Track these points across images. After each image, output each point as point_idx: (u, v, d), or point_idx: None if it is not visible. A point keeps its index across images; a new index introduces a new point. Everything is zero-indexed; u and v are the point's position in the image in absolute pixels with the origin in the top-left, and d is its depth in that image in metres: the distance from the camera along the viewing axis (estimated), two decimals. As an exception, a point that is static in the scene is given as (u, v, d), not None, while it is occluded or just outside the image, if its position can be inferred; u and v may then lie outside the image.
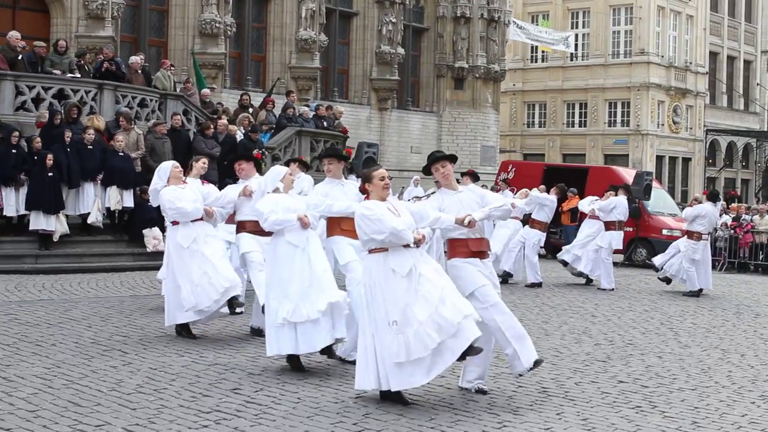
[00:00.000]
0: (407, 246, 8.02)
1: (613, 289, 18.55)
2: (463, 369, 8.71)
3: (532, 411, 7.99)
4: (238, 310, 11.39)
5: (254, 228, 10.89)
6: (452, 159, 8.93)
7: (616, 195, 19.73)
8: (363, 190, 8.48)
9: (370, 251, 8.12)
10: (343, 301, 9.28)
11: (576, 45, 50.87)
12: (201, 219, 11.16)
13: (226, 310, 11.19)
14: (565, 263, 19.77)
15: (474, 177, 19.85)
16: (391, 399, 8.03)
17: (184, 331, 11.03)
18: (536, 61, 55.07)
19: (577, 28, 53.08)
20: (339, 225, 9.98)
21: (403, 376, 7.86)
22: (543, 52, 52.00)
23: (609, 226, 19.33)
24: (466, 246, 8.58)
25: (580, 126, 53.71)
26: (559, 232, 27.13)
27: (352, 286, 9.64)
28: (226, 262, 11.23)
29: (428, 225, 8.44)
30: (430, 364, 7.82)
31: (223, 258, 11.23)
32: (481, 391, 8.58)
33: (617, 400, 8.58)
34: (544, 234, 19.64)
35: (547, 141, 54.06)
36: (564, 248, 20.23)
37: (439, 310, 7.81)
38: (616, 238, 19.54)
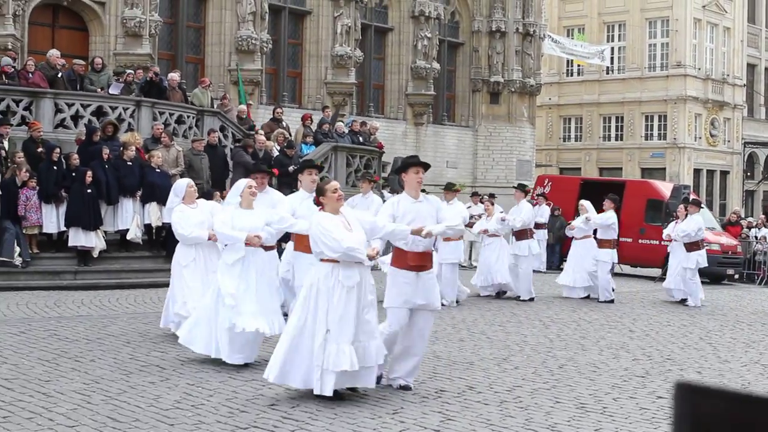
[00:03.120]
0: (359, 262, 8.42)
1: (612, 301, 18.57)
2: (390, 366, 9.15)
3: (570, 427, 7.94)
4: None
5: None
6: (427, 167, 9.19)
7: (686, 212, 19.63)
8: (317, 203, 8.72)
9: (321, 260, 8.44)
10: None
11: (612, 58, 50.61)
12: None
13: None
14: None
15: (525, 193, 19.98)
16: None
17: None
18: (572, 75, 54.88)
19: (612, 41, 52.85)
20: (303, 241, 10.27)
21: (321, 380, 8.29)
22: (579, 65, 51.82)
23: (692, 247, 19.23)
24: (405, 257, 8.85)
25: (616, 139, 53.43)
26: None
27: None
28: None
29: (381, 237, 8.71)
30: (341, 378, 8.32)
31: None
32: (405, 387, 9.04)
33: (656, 416, 8.51)
34: (615, 251, 19.56)
35: (583, 155, 53.83)
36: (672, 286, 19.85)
37: (370, 342, 8.39)
38: (703, 256, 19.49)
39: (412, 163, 9.17)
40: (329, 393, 8.28)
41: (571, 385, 9.78)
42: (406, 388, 9.04)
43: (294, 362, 8.43)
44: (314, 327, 8.36)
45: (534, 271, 23.44)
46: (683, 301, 19.14)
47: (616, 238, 19.81)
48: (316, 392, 8.35)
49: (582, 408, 8.71)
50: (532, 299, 18.30)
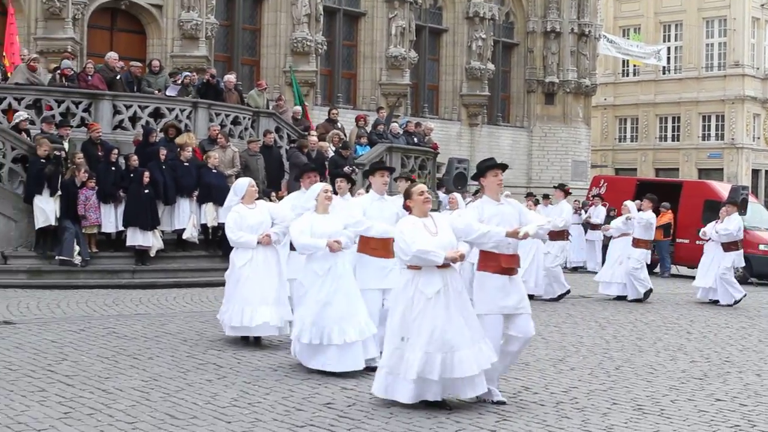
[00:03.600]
0: (443, 266, 8.13)
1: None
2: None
3: (627, 429, 7.88)
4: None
5: None
6: (505, 168, 8.93)
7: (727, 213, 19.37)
8: (406, 207, 8.55)
9: (408, 266, 8.26)
10: (370, 329, 9.65)
11: (668, 58, 50.06)
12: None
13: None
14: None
15: (566, 193, 19.73)
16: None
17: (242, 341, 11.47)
18: (628, 75, 54.43)
19: (669, 41, 52.32)
20: (368, 244, 10.14)
21: (389, 387, 8.18)
22: (635, 66, 51.38)
23: (729, 246, 19.01)
24: (497, 261, 8.49)
25: (673, 140, 52.91)
26: (652, 248, 26.76)
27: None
28: (263, 302, 11.20)
29: (474, 240, 8.40)
30: (416, 389, 8.10)
31: (260, 295, 11.20)
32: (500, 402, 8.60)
33: (715, 418, 8.42)
34: (649, 251, 19.41)
35: (639, 155, 53.36)
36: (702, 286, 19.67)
37: (463, 351, 8.05)
38: (740, 257, 19.30)
39: (490, 166, 8.77)
40: (405, 400, 8.10)
41: (628, 386, 9.71)
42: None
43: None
44: (392, 332, 8.27)
45: (588, 271, 23.23)
46: (714, 302, 18.92)
47: (652, 239, 19.61)
48: (389, 397, 8.21)
49: (639, 410, 8.63)
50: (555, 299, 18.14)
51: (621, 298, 18.82)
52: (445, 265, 8.12)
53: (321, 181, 11.66)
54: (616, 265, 19.10)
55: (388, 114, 28.19)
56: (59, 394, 8.33)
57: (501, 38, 39.20)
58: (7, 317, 13.15)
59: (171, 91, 22.19)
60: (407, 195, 8.52)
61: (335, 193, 11.28)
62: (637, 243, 18.99)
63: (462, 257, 8.21)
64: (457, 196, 16.86)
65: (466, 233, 8.36)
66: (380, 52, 33.86)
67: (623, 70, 54.27)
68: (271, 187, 20.15)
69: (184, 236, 19.07)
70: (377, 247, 10.11)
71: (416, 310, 8.08)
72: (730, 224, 18.98)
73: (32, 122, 19.56)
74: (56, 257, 17.56)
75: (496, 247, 8.45)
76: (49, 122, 19.12)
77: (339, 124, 25.37)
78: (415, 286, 8.14)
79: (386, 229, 9.87)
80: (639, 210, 19.34)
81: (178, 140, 19.77)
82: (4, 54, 22.43)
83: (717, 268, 18.87)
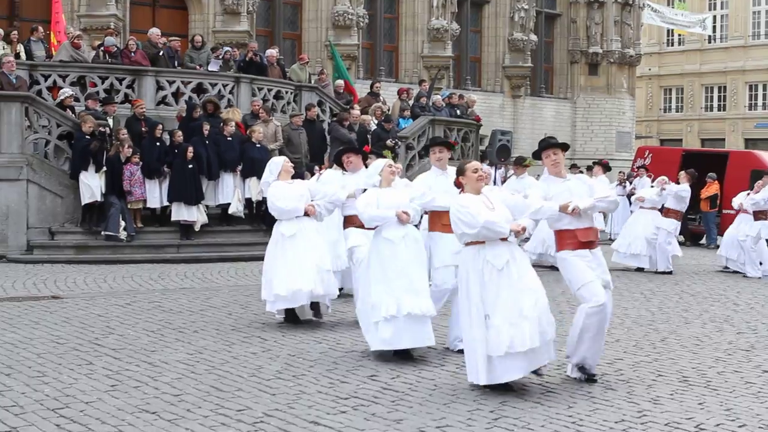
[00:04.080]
0: (505, 239, 7.98)
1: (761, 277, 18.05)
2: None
3: (673, 401, 7.83)
4: (321, 319, 11.39)
5: (361, 222, 10.96)
6: (564, 147, 8.72)
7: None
8: (458, 184, 8.40)
9: (466, 244, 8.09)
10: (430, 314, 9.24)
11: (714, 27, 49.44)
12: (306, 215, 11.10)
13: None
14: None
15: (605, 168, 19.47)
16: (498, 388, 7.93)
17: (289, 316, 11.18)
18: (672, 45, 53.82)
19: (714, 9, 51.63)
20: (440, 220, 9.70)
21: (496, 371, 7.82)
22: (680, 35, 50.76)
23: (758, 215, 18.75)
24: (574, 236, 8.34)
25: (719, 110, 52.30)
26: (698, 219, 26.53)
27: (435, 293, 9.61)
28: (311, 268, 10.95)
29: (530, 216, 8.26)
30: (524, 362, 7.84)
31: (311, 262, 10.95)
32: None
33: (762, 390, 8.33)
34: (679, 223, 19.21)
35: (684, 126, 52.82)
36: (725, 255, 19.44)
37: (542, 317, 7.90)
38: (766, 227, 19.04)
39: (546, 145, 8.70)
40: (503, 380, 7.85)
41: (674, 358, 9.64)
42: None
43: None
44: (471, 316, 7.99)
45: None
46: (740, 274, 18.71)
47: (683, 211, 19.35)
48: (482, 383, 7.90)
49: (685, 381, 8.58)
50: None
51: (639, 270, 18.68)
52: (503, 239, 8.02)
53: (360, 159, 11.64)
54: (640, 238, 18.83)
55: (430, 85, 28.11)
56: (106, 367, 8.43)
57: (543, 9, 38.85)
58: (55, 292, 13.32)
59: (213, 66, 22.25)
60: (460, 171, 8.35)
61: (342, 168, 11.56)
62: (667, 213, 18.80)
63: (524, 230, 8.08)
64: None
65: (518, 210, 8.30)
66: (422, 25, 33.70)
67: (668, 40, 53.67)
68: (314, 161, 20.18)
69: (230, 211, 19.17)
70: (449, 222, 9.78)
71: (492, 284, 7.91)
72: (761, 195, 18.73)
73: (77, 99, 19.72)
74: (102, 233, 17.73)
75: (569, 223, 8.36)
76: (94, 99, 19.28)
77: (381, 98, 25.32)
78: (483, 259, 7.96)
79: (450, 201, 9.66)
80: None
81: (223, 115, 19.84)
82: (50, 32, 22.59)
83: (747, 238, 18.61)
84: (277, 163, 11.40)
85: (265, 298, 11.08)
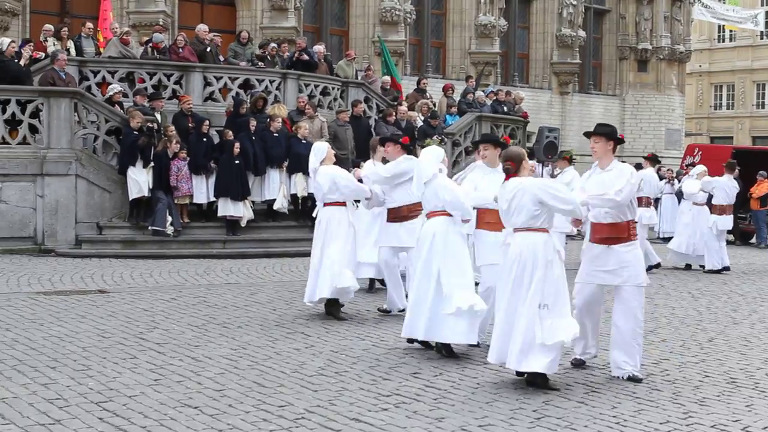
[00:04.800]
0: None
1: None
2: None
3: (720, 402, 7.72)
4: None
5: (398, 215, 11.09)
6: (597, 134, 8.66)
7: None
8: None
9: (534, 230, 8.00)
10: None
11: (766, 23, 48.78)
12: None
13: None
14: None
15: (653, 161, 19.17)
16: (535, 383, 7.92)
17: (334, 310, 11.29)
18: (723, 41, 53.22)
19: (766, 5, 50.95)
20: (483, 218, 9.60)
21: (542, 358, 7.80)
22: (730, 31, 50.13)
23: None
24: (592, 230, 8.62)
25: (770, 107, 51.64)
26: (748, 218, 26.18)
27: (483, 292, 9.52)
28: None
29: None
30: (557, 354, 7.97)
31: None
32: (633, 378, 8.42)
33: (811, 392, 8.21)
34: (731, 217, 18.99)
35: (735, 123, 52.22)
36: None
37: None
38: None
39: (588, 134, 8.74)
40: (551, 370, 7.88)
41: (721, 359, 9.52)
42: (634, 379, 8.42)
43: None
44: (528, 302, 7.92)
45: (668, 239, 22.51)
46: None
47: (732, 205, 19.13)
48: (541, 371, 7.83)
49: (732, 383, 8.45)
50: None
51: (688, 267, 18.50)
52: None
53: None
54: (694, 236, 18.63)
55: (476, 78, 28.06)
56: (150, 362, 8.48)
57: (592, 5, 38.57)
58: (101, 286, 13.43)
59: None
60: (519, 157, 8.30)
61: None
62: (721, 209, 18.57)
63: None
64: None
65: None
66: (469, 21, 33.59)
67: (719, 36, 53.09)
68: (360, 157, 20.16)
69: (275, 206, 19.21)
70: (494, 220, 9.63)
71: (557, 273, 7.94)
72: None
73: (125, 95, 19.86)
74: (149, 228, 17.86)
75: (594, 217, 8.43)
76: (142, 95, 19.39)
77: (428, 94, 25.26)
78: (553, 248, 8.00)
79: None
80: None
81: (269, 111, 19.89)
82: (98, 29, 22.79)
83: None
84: (322, 149, 11.40)
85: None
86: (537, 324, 7.77)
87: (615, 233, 8.46)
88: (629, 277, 8.50)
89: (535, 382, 7.90)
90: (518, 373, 8.07)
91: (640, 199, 18.04)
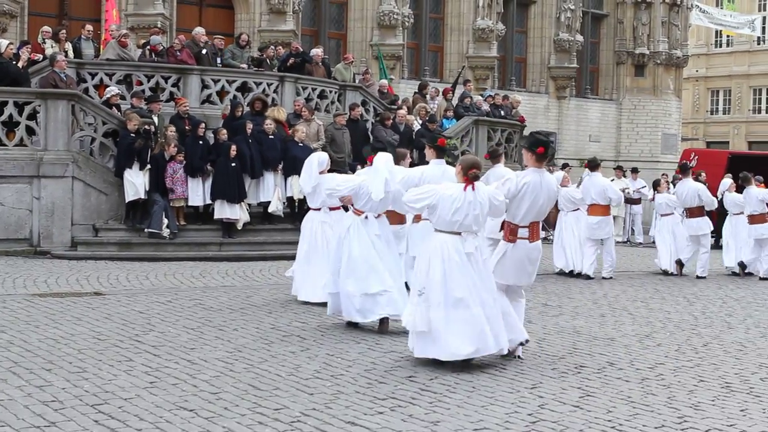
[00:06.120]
0: None
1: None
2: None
3: (714, 407, 7.74)
4: None
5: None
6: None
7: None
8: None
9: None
10: None
11: (763, 28, 48.86)
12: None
13: None
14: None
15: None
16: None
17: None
18: (720, 46, 53.29)
19: (764, 10, 51.04)
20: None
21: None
22: (728, 36, 50.23)
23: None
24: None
25: (767, 112, 51.67)
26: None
27: None
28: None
29: None
30: None
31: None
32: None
33: (806, 397, 8.22)
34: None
35: (731, 128, 52.27)
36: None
37: None
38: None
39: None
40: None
41: (716, 363, 9.53)
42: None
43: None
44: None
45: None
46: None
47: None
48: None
49: (727, 387, 8.47)
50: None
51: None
52: None
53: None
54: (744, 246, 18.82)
55: (455, 79, 28.11)
56: (145, 364, 8.47)
57: (590, 9, 38.60)
58: (97, 288, 13.44)
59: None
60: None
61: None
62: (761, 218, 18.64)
63: None
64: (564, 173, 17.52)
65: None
66: (467, 25, 33.59)
67: (716, 41, 53.17)
68: (356, 160, 20.17)
69: (270, 209, 19.21)
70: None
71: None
72: None
73: (123, 97, 19.87)
74: (145, 230, 17.86)
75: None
76: (139, 97, 19.40)
77: (428, 98, 25.30)
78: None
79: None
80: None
81: (268, 113, 19.88)
82: (103, 30, 22.82)
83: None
84: (323, 160, 12.12)
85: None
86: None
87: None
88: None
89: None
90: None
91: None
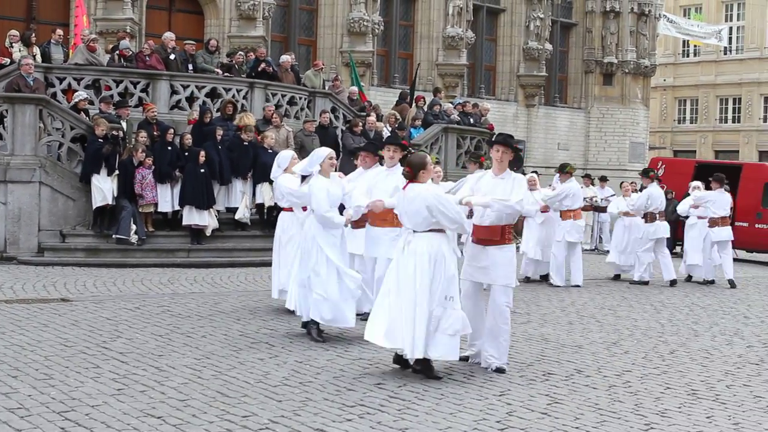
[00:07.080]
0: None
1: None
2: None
3: (681, 413, 7.80)
4: None
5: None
6: (505, 144, 9.42)
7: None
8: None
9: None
10: None
11: (730, 38, 49.31)
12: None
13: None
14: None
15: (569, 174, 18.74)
16: (424, 371, 8.66)
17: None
18: (688, 56, 53.73)
19: (731, 20, 51.51)
20: (379, 215, 10.97)
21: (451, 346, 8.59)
22: (695, 46, 50.66)
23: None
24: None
25: (733, 122, 52.14)
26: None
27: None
28: None
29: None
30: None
31: None
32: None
33: (771, 404, 8.30)
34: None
35: (698, 137, 52.69)
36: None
37: None
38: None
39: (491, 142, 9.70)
40: (456, 357, 8.77)
41: (683, 371, 9.60)
42: (499, 370, 9.08)
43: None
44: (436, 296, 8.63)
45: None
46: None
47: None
48: (444, 358, 8.69)
49: (693, 394, 8.54)
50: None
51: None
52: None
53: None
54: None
55: (412, 82, 28.19)
56: (113, 371, 8.42)
57: (559, 18, 38.84)
58: (64, 295, 13.33)
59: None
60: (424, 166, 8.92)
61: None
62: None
63: None
64: (534, 176, 17.94)
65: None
66: (437, 32, 33.71)
67: (683, 51, 53.60)
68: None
69: (237, 216, 19.14)
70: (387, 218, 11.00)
71: (453, 270, 8.71)
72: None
73: (91, 102, 19.76)
74: (113, 236, 17.74)
75: (478, 218, 9.23)
76: (108, 102, 19.29)
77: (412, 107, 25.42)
78: (452, 248, 8.85)
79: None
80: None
81: (237, 121, 19.83)
82: (75, 34, 22.68)
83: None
84: (286, 158, 12.02)
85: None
86: (444, 315, 8.51)
87: (490, 235, 9.15)
88: (497, 277, 9.12)
89: (423, 370, 8.63)
90: (399, 361, 8.91)
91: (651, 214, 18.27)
